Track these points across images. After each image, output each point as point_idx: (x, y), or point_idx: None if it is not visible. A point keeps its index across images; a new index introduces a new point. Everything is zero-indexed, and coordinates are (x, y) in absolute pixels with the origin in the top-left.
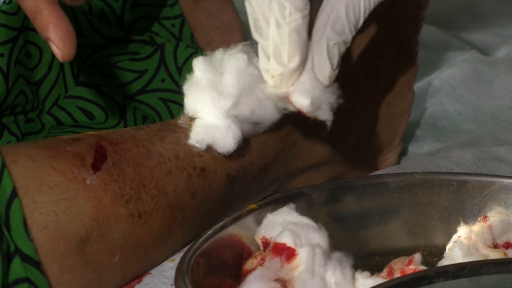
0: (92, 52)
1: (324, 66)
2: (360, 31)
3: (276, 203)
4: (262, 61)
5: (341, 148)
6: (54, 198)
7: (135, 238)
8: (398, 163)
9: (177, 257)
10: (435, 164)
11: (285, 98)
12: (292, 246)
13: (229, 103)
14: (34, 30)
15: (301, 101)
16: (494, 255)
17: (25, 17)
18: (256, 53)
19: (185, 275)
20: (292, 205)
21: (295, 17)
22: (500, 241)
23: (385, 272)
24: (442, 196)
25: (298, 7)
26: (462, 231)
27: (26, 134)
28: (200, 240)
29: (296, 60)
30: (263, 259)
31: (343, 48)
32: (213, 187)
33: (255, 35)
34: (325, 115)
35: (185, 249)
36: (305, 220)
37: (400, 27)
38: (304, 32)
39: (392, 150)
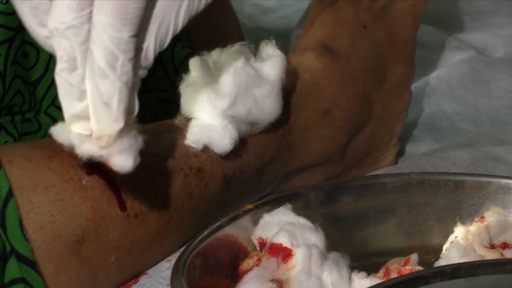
0: None
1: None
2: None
3: (273, 204)
4: (67, 102)
5: (338, 148)
6: (50, 198)
7: (131, 238)
8: (395, 163)
9: (173, 257)
10: (432, 164)
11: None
12: (289, 246)
13: (226, 103)
14: None
15: (123, 164)
16: (491, 255)
17: None
18: (253, 53)
19: (181, 276)
20: (288, 206)
21: (126, 69)
22: (497, 242)
23: (381, 272)
24: (439, 196)
25: (130, 56)
26: (459, 232)
27: (23, 134)
28: (197, 240)
29: (124, 119)
30: (259, 260)
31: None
32: (209, 188)
33: (62, 71)
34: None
35: (182, 249)
36: (302, 221)
37: (398, 27)
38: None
39: (390, 150)
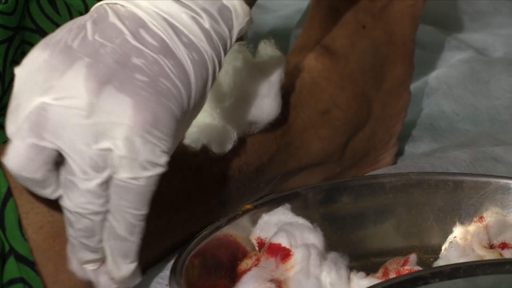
0: None
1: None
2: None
3: (272, 204)
4: (82, 254)
5: (337, 148)
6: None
7: None
8: (394, 163)
9: (172, 257)
10: (431, 164)
11: None
12: (287, 246)
13: (225, 103)
14: (30, 30)
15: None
16: (490, 255)
17: (21, 17)
18: (252, 53)
19: (180, 276)
20: (287, 206)
21: (141, 230)
22: (496, 242)
23: (380, 272)
24: (438, 197)
25: (144, 221)
26: (458, 232)
27: None
28: (195, 240)
29: (137, 263)
30: (258, 260)
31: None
32: (208, 187)
33: (80, 238)
34: None
35: (180, 249)
36: (301, 221)
37: (397, 27)
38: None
39: (389, 150)
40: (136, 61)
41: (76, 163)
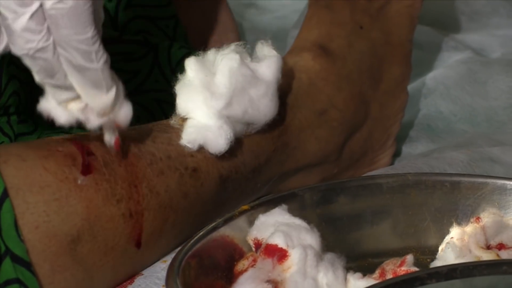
0: None
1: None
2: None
3: (268, 204)
4: (57, 95)
5: (334, 149)
6: (45, 198)
7: (127, 238)
8: (392, 163)
9: (169, 258)
10: (428, 165)
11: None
12: (284, 247)
13: (221, 103)
14: None
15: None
16: (486, 256)
17: None
18: (249, 54)
19: (177, 276)
20: (284, 206)
21: (101, 54)
22: (493, 242)
23: (377, 273)
24: (435, 197)
25: (100, 43)
26: (455, 232)
27: (19, 135)
28: (192, 241)
29: (114, 89)
30: (255, 260)
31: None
32: (205, 188)
33: (45, 79)
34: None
35: (177, 250)
36: (297, 221)
37: (394, 28)
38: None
39: (386, 151)
40: None
41: (3, 4)
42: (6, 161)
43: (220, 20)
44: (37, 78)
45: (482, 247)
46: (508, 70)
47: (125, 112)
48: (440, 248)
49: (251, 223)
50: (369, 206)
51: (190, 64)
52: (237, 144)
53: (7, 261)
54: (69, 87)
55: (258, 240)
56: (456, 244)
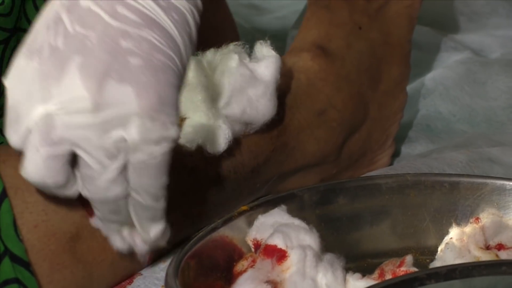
0: None
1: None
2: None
3: (268, 205)
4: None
5: (333, 149)
6: (44, 197)
7: None
8: (391, 164)
9: (168, 258)
10: (427, 165)
11: None
12: (283, 248)
13: (220, 103)
14: (26, 31)
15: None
16: (486, 256)
17: (18, 18)
18: (248, 54)
19: (176, 277)
20: (283, 207)
21: (165, 195)
22: (492, 243)
23: (376, 274)
24: (434, 198)
25: (166, 188)
26: (454, 233)
27: None
28: (191, 241)
29: (164, 221)
30: (254, 261)
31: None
32: (203, 188)
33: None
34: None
35: (176, 250)
36: (297, 222)
37: (393, 28)
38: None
39: (385, 151)
40: (125, 44)
41: (92, 156)
42: (5, 161)
43: (220, 19)
44: (99, 214)
45: (481, 248)
46: (507, 70)
47: (164, 234)
48: (439, 249)
49: (250, 223)
50: (368, 207)
51: (189, 64)
52: (235, 144)
53: (6, 261)
54: (126, 220)
55: (257, 241)
56: (456, 245)
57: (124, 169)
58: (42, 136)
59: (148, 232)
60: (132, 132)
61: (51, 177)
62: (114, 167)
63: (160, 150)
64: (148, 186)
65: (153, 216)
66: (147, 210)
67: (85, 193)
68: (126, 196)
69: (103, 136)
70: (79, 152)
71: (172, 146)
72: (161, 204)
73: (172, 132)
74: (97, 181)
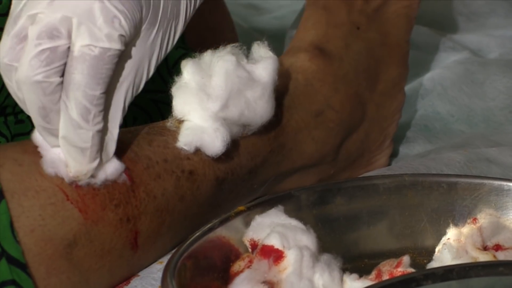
0: None
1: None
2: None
3: (265, 205)
4: (49, 140)
5: (331, 149)
6: (41, 202)
7: (123, 241)
8: (389, 164)
9: (165, 259)
10: (425, 165)
11: None
12: (280, 248)
13: (218, 105)
14: None
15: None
16: (483, 257)
17: None
18: (245, 55)
19: (172, 277)
20: (280, 207)
21: (98, 120)
22: (489, 243)
23: (373, 274)
24: (432, 198)
25: (102, 108)
26: (452, 233)
27: (16, 135)
28: (188, 242)
29: (97, 160)
30: (251, 261)
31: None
32: (201, 190)
33: (37, 120)
34: None
35: (173, 251)
36: (294, 222)
37: (391, 28)
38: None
39: (383, 151)
40: None
41: (34, 29)
42: (2, 165)
43: (218, 20)
44: (26, 110)
45: (478, 248)
46: (505, 70)
47: (113, 169)
48: (436, 249)
49: (247, 224)
50: (366, 207)
51: (187, 66)
52: (233, 146)
53: (3, 263)
54: (56, 134)
55: (254, 241)
56: (453, 245)
57: (58, 56)
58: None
59: (74, 164)
60: (77, 11)
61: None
62: (47, 44)
63: (100, 44)
64: (78, 88)
65: (81, 141)
66: (74, 128)
67: (16, 74)
68: (54, 97)
69: (52, 12)
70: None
71: (114, 55)
72: (90, 127)
73: (117, 38)
74: (27, 56)
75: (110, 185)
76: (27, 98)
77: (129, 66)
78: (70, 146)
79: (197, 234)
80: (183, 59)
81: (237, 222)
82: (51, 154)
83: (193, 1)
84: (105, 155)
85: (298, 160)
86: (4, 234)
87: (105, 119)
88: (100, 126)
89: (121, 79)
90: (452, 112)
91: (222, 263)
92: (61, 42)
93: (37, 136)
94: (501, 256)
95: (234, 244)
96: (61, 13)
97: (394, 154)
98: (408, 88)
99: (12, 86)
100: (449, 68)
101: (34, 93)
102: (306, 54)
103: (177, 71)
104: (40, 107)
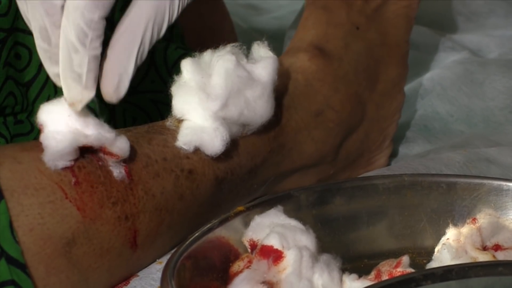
0: None
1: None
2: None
3: (264, 205)
4: (47, 65)
5: (331, 150)
6: (40, 200)
7: (122, 240)
8: (388, 164)
9: (164, 259)
10: (424, 165)
11: None
12: (280, 248)
13: (217, 105)
14: (23, 31)
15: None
16: (482, 257)
17: (15, 18)
18: (245, 55)
19: (172, 278)
20: (280, 207)
21: (95, 45)
22: (489, 243)
23: (372, 274)
24: (431, 198)
25: (99, 34)
26: (451, 233)
27: (15, 136)
28: (187, 242)
29: (94, 89)
30: (250, 262)
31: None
32: (201, 189)
33: (38, 40)
34: None
35: (172, 251)
36: (293, 222)
37: (391, 28)
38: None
39: (382, 151)
40: None
41: None
42: (1, 163)
43: (217, 20)
44: (34, 36)
45: (478, 248)
46: (505, 70)
47: (121, 144)
48: (436, 249)
49: (246, 224)
50: (365, 207)
51: (186, 65)
52: (233, 146)
53: (2, 263)
54: (55, 60)
55: (254, 241)
56: (452, 245)
57: None
58: None
59: (69, 90)
60: None
61: None
62: None
63: None
64: (77, 10)
65: (76, 66)
66: (70, 52)
67: None
68: (57, 25)
69: None
70: None
71: None
72: (85, 51)
73: None
74: None
75: (108, 182)
76: (31, 17)
77: (149, 4)
78: (67, 70)
79: (197, 234)
80: (183, 59)
81: (237, 222)
82: (52, 131)
83: None
84: (116, 91)
85: (297, 160)
86: (3, 235)
87: (119, 52)
88: (97, 52)
89: (139, 14)
90: (451, 112)
91: (222, 263)
92: None
93: (42, 115)
94: (501, 256)
95: (233, 244)
96: None
97: (393, 154)
98: (407, 88)
99: (22, 5)
100: (448, 68)
101: (38, 12)
102: (305, 54)
103: (177, 71)
104: (42, 27)
